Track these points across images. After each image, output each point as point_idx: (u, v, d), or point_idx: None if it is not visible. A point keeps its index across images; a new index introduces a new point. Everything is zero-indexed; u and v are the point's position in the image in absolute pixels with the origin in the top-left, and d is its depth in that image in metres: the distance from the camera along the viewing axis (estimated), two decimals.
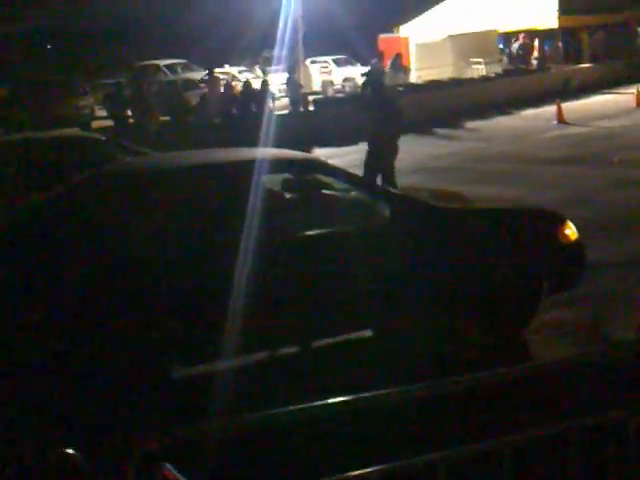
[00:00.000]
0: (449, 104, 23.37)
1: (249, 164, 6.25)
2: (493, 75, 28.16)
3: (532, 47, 30.81)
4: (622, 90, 25.80)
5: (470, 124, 21.78)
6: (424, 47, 29.52)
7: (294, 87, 23.26)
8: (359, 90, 25.96)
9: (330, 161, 7.27)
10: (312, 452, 4.62)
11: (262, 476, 4.63)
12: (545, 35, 31.08)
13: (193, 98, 22.56)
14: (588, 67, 29.88)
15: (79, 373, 5.47)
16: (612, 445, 3.30)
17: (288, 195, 6.65)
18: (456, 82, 26.34)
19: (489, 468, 3.17)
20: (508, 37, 32.94)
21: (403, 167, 15.26)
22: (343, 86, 32.65)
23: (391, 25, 33.95)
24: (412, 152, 17.56)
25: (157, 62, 31.56)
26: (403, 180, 11.28)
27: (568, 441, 3.15)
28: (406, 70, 28.06)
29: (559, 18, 30.38)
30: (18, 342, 5.42)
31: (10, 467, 4.44)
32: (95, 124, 22.96)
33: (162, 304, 5.65)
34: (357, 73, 31.18)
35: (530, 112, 23.35)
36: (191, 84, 27.52)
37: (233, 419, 3.25)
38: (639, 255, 8.65)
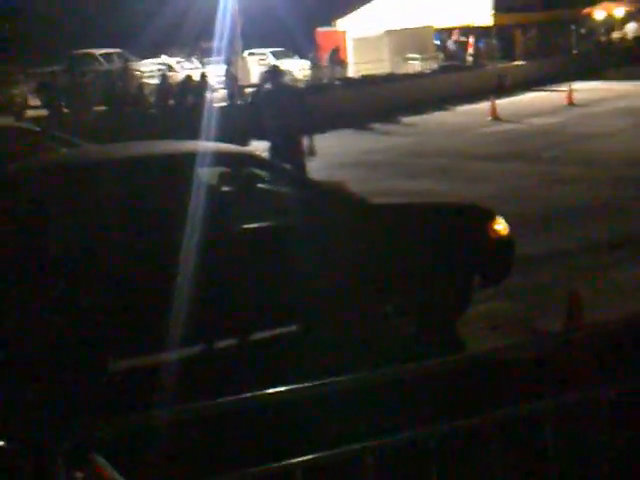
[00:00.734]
0: (385, 99, 23.59)
1: (185, 157, 6.27)
2: (429, 71, 28.49)
3: (467, 44, 31.23)
4: (555, 87, 26.38)
5: (406, 119, 22.02)
6: (361, 42, 29.68)
7: (231, 79, 23.20)
8: (295, 83, 26.04)
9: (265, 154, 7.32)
10: (242, 442, 4.68)
11: (196, 467, 4.67)
12: (480, 32, 31.53)
13: (130, 88, 22.32)
14: (522, 64, 30.43)
15: (11, 365, 5.44)
16: (533, 437, 3.43)
17: (224, 189, 6.68)
18: (393, 77, 26.58)
19: (415, 460, 3.27)
20: (444, 33, 33.32)
21: (337, 161, 15.43)
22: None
23: (329, 19, 34.06)
24: (348, 146, 17.73)
25: (93, 51, 31.07)
26: (337, 174, 11.37)
27: (488, 433, 3.26)
28: (343, 64, 28.21)
29: (494, 15, 30.86)
30: None
31: None
32: (29, 113, 22.56)
33: (97, 297, 5.64)
34: (295, 66, 31.23)
35: (465, 108, 23.71)
36: (128, 74, 27.18)
37: (165, 411, 3.29)
38: (566, 248, 8.91)
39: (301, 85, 25.52)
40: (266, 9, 34.38)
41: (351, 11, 33.63)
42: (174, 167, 6.22)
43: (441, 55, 31.61)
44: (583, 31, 35.87)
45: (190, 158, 6.22)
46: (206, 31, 31.93)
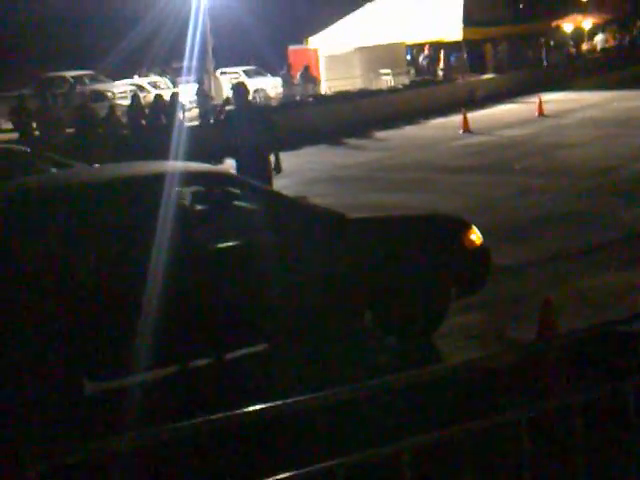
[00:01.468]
0: (358, 114, 23.70)
1: (160, 178, 6.26)
2: (401, 86, 28.64)
3: (438, 59, 31.46)
4: (525, 99, 26.62)
5: (379, 134, 22.11)
6: (333, 59, 29.82)
7: (204, 98, 23.21)
8: (268, 101, 26.14)
9: None
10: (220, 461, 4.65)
11: None
12: (451, 47, 31.78)
13: (101, 110, 22.24)
14: (492, 78, 30.69)
15: None
16: (507, 446, 3.44)
17: (197, 208, 6.67)
18: (365, 93, 26.71)
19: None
20: (415, 49, 33.56)
21: (312, 177, 15.48)
22: (254, 97, 32.66)
23: (301, 37, 34.20)
24: (322, 162, 17.78)
25: (64, 73, 30.98)
26: (312, 190, 11.38)
27: (459, 444, 3.26)
28: (316, 81, 28.32)
29: (464, 30, 31.11)
30: None
31: None
32: (0, 137, 22.43)
33: (74, 319, 5.60)
34: (267, 84, 31.29)
35: (437, 122, 23.86)
36: (99, 95, 27.13)
37: (132, 435, 3.26)
38: (539, 258, 8.97)
39: (274, 103, 25.61)
40: (238, 28, 34.49)
41: (323, 29, 33.81)
42: (151, 188, 6.21)
43: (412, 70, 31.81)
44: (552, 43, 36.25)
45: (165, 178, 6.21)
46: (177, 51, 31.95)
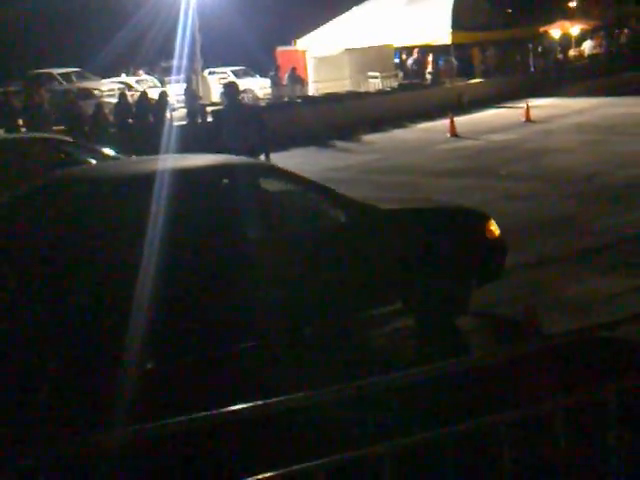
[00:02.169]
0: (346, 117, 23.71)
1: (212, 170, 6.60)
2: (389, 89, 28.67)
3: (426, 62, 31.51)
4: (513, 104, 26.71)
5: (367, 137, 22.14)
6: (322, 60, 29.81)
7: (191, 98, 23.18)
8: (256, 102, 26.10)
9: None
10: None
11: None
12: (439, 51, 31.84)
13: (88, 107, 22.16)
14: (480, 82, 30.77)
15: None
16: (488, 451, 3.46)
17: (239, 199, 6.67)
18: (353, 95, 26.73)
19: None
20: (404, 52, 33.59)
21: None
22: (242, 97, 32.63)
23: (289, 38, 34.20)
24: (309, 164, 17.76)
25: (51, 70, 30.84)
26: None
27: (444, 445, 3.28)
28: (303, 83, 28.31)
29: (452, 34, 31.18)
30: None
31: None
32: None
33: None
34: (256, 84, 31.26)
35: (424, 125, 23.91)
36: (87, 93, 27.00)
37: (126, 430, 3.26)
38: (524, 263, 8.99)
39: (263, 103, 25.56)
40: (227, 28, 34.45)
41: (311, 30, 33.82)
42: (203, 179, 6.53)
43: (401, 73, 31.85)
44: (540, 49, 36.39)
45: (215, 171, 6.61)
46: (166, 50, 31.89)
